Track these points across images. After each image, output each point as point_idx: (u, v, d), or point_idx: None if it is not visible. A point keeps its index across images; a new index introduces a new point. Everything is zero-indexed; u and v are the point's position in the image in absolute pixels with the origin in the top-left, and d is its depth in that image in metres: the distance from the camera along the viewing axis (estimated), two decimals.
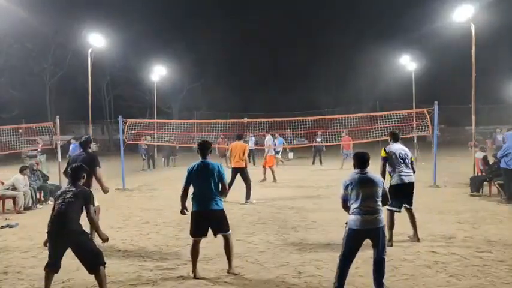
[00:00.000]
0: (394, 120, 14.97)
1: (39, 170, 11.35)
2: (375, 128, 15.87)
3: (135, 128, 16.39)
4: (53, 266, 4.46)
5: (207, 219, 5.13)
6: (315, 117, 17.99)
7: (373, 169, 4.68)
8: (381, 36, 39.83)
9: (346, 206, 4.56)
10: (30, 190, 10.01)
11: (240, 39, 43.83)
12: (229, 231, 5.22)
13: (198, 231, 5.15)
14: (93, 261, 4.39)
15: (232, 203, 9.59)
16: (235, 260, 5.52)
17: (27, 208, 9.76)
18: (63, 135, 23.34)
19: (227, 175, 5.67)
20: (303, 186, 12.93)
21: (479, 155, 11.57)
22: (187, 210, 5.30)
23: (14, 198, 9.66)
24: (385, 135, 14.22)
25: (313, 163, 20.15)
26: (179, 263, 5.69)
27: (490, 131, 25.47)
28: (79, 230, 4.44)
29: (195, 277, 5.10)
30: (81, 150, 6.81)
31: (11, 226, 8.06)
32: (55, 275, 4.55)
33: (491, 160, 11.04)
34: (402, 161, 6.45)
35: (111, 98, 40.58)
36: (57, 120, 13.65)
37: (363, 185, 4.46)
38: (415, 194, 6.65)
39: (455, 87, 33.74)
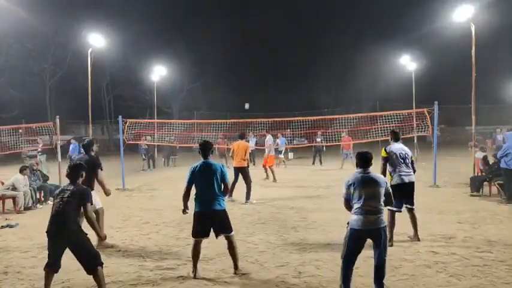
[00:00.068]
0: (394, 120, 14.98)
1: (39, 170, 11.35)
2: (375, 128, 15.88)
3: (135, 128, 16.39)
4: (52, 266, 4.46)
5: (210, 219, 5.11)
6: (315, 117, 17.99)
7: (374, 169, 4.67)
8: (380, 36, 39.88)
9: (349, 206, 4.53)
10: (30, 190, 10.01)
11: (240, 39, 43.88)
12: (232, 233, 5.20)
13: (200, 232, 5.14)
14: (91, 261, 4.39)
15: (232, 203, 9.59)
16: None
17: (27, 208, 9.76)
18: (63, 135, 23.34)
19: (229, 175, 5.66)
20: (303, 186, 12.93)
21: (479, 155, 11.57)
22: (188, 209, 5.28)
23: (14, 198, 9.66)
24: (385, 135, 14.24)
25: (313, 163, 20.15)
26: (179, 263, 5.69)
27: (490, 131, 25.47)
28: (78, 230, 4.44)
29: (195, 277, 5.10)
30: (84, 152, 6.84)
31: (11, 226, 8.06)
32: (55, 275, 4.56)
33: (491, 160, 11.05)
34: (402, 161, 6.45)
35: (111, 98, 40.58)
36: (57, 120, 13.65)
37: (366, 184, 4.44)
38: (415, 194, 6.65)
39: (455, 87, 33.74)
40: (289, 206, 9.67)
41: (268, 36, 46.03)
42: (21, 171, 10.06)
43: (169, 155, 21.17)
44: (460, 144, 25.37)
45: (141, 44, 36.47)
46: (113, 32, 23.48)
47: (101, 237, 4.60)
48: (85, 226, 4.65)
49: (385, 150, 6.56)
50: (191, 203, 5.30)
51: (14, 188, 9.73)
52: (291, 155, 24.34)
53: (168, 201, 10.58)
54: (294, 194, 11.52)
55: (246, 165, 10.41)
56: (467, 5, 13.02)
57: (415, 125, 15.41)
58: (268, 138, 16.25)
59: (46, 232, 4.43)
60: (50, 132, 17.32)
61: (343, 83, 42.75)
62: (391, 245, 6.00)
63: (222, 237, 5.21)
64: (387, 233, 4.55)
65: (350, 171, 14.65)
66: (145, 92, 36.24)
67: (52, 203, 4.93)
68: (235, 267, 5.18)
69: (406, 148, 6.65)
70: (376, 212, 4.37)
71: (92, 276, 4.45)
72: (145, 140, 18.43)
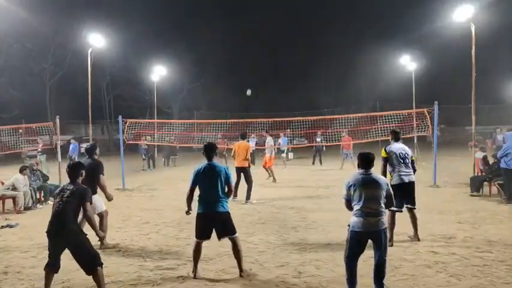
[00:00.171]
0: (394, 120, 14.98)
1: (39, 170, 11.35)
2: (375, 128, 15.88)
3: (135, 128, 16.39)
4: (53, 266, 4.46)
5: (212, 221, 5.09)
6: (315, 117, 18.00)
7: (374, 169, 4.66)
8: (381, 36, 39.85)
9: (350, 206, 4.51)
10: (30, 190, 10.01)
11: (240, 39, 43.86)
12: (236, 234, 5.16)
13: (202, 234, 5.13)
14: (90, 262, 4.39)
15: (232, 203, 9.58)
16: (235, 260, 5.51)
17: (27, 208, 9.76)
18: (63, 135, 23.34)
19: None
20: (303, 186, 12.93)
21: (479, 155, 11.57)
22: (191, 210, 5.26)
23: (14, 198, 9.66)
24: (385, 135, 14.23)
25: (313, 163, 20.15)
26: (179, 263, 5.69)
27: (490, 131, 25.45)
28: (78, 230, 4.44)
29: (195, 277, 5.09)
30: (87, 156, 6.83)
31: (11, 226, 8.06)
32: (55, 275, 4.56)
33: (491, 160, 11.05)
34: (402, 161, 6.45)
35: (111, 98, 40.58)
36: (57, 120, 13.65)
37: (367, 186, 4.40)
38: (416, 194, 6.65)
39: (455, 87, 33.73)
40: (289, 206, 9.67)
41: (268, 36, 46.06)
42: (21, 171, 10.07)
43: (169, 155, 21.17)
44: (460, 144, 25.37)
45: (141, 44, 36.47)
46: (113, 32, 23.49)
47: (100, 238, 4.60)
48: (86, 227, 4.65)
49: (385, 150, 6.56)
50: (193, 204, 5.28)
51: (14, 188, 9.73)
52: (291, 155, 24.34)
53: (168, 201, 10.59)
54: (294, 194, 11.52)
55: (248, 165, 10.42)
56: (467, 5, 13.02)
57: (415, 125, 15.41)
58: (269, 139, 16.25)
59: (46, 232, 4.43)
60: (50, 132, 17.33)
61: (343, 83, 42.75)
62: (391, 245, 5.99)
63: (223, 238, 5.19)
64: (387, 234, 4.53)
65: (350, 171, 14.62)
66: (145, 92, 36.23)
67: (52, 203, 4.93)
68: (240, 269, 5.13)
69: (406, 148, 6.64)
70: (376, 214, 4.34)
71: (91, 276, 4.45)
72: (145, 140, 18.44)
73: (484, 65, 25.50)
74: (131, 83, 37.62)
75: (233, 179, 5.61)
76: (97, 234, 4.61)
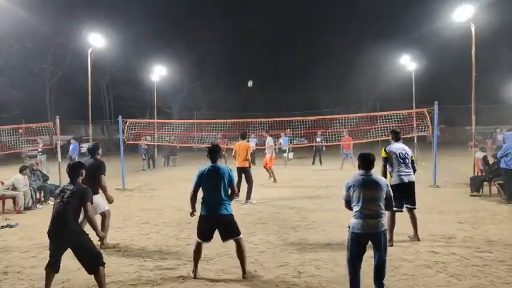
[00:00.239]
0: (394, 120, 14.98)
1: (39, 170, 11.36)
2: (375, 128, 15.88)
3: (135, 128, 16.39)
4: (53, 266, 4.46)
5: (216, 223, 5.08)
6: (315, 117, 18.00)
7: (374, 169, 4.64)
8: (381, 36, 39.81)
9: (350, 207, 4.48)
10: (30, 190, 10.01)
11: (240, 39, 43.85)
12: (240, 236, 5.14)
13: (204, 235, 5.12)
14: (92, 261, 4.40)
15: (232, 203, 9.57)
16: (235, 260, 5.51)
17: (27, 208, 9.76)
18: (63, 135, 23.33)
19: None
20: (303, 186, 12.93)
21: (479, 155, 11.57)
22: (196, 211, 5.23)
23: (14, 198, 9.66)
24: (385, 135, 14.24)
25: (313, 163, 20.15)
26: (179, 263, 5.69)
27: (490, 131, 25.47)
28: (79, 230, 4.45)
29: (195, 277, 5.09)
30: (89, 156, 6.81)
31: (11, 226, 8.06)
32: (55, 274, 4.55)
33: (491, 160, 11.05)
34: (402, 161, 6.44)
35: (111, 98, 40.59)
36: (57, 120, 13.65)
37: (366, 187, 4.35)
38: (417, 195, 6.64)
39: (455, 87, 33.71)
40: (289, 206, 9.67)
41: (268, 36, 46.04)
42: (21, 171, 10.07)
43: (169, 155, 21.17)
44: (460, 144, 25.36)
45: (141, 44, 36.47)
46: (113, 32, 23.49)
47: (100, 238, 4.60)
48: (86, 227, 4.65)
49: (385, 150, 6.55)
50: (197, 206, 5.27)
51: (14, 188, 9.73)
52: (291, 155, 24.35)
53: (168, 201, 10.59)
54: (294, 194, 11.52)
55: (248, 165, 10.42)
56: (467, 5, 13.02)
57: (415, 125, 15.42)
58: (269, 139, 16.24)
59: (47, 233, 4.43)
60: (50, 132, 17.33)
61: (343, 83, 42.74)
62: (391, 245, 5.99)
63: (227, 240, 5.16)
64: (387, 235, 4.49)
65: (350, 171, 14.62)
66: (145, 92, 36.24)
67: (52, 203, 4.93)
68: (243, 271, 5.09)
69: (406, 148, 6.63)
70: (376, 216, 4.30)
71: (93, 276, 4.45)
72: (145, 140, 18.44)
73: (484, 65, 25.49)
74: (131, 83, 37.62)
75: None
76: (97, 235, 4.60)
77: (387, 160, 6.49)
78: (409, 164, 6.50)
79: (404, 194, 6.42)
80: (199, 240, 5.15)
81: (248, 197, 10.15)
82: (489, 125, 27.92)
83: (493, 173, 10.44)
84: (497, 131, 18.44)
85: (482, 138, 22.61)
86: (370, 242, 4.39)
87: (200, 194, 5.24)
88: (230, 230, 5.10)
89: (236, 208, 9.23)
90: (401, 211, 6.38)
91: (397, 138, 6.67)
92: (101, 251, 5.33)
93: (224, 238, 5.13)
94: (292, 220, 8.18)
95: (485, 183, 10.53)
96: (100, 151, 6.95)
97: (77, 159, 16.33)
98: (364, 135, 16.66)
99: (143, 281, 5.08)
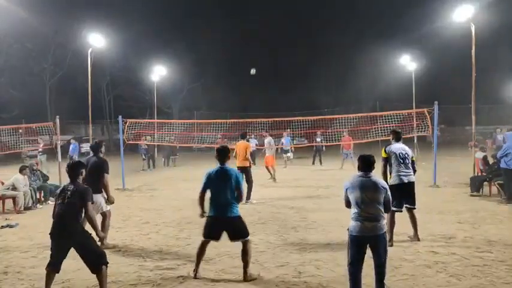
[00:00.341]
0: (394, 120, 14.98)
1: (39, 170, 11.36)
2: (375, 128, 15.88)
3: (135, 128, 16.39)
4: (54, 266, 4.46)
5: (224, 225, 5.07)
6: (315, 117, 18.00)
7: (374, 170, 4.63)
8: (381, 36, 39.79)
9: (350, 207, 4.44)
10: (30, 190, 10.01)
11: (240, 39, 43.84)
12: (248, 237, 5.11)
13: (210, 235, 5.13)
14: (96, 261, 4.40)
15: None
16: (235, 260, 5.52)
17: (27, 208, 9.76)
18: (63, 135, 23.33)
19: None
20: (303, 186, 12.93)
21: (479, 155, 11.57)
22: (205, 212, 5.22)
23: (14, 198, 9.66)
24: (385, 135, 14.24)
25: (313, 163, 20.15)
26: (179, 263, 5.69)
27: (490, 131, 25.46)
28: (82, 230, 4.44)
29: (195, 277, 5.09)
30: (92, 154, 6.79)
31: (11, 226, 8.06)
32: (56, 275, 4.55)
33: (491, 160, 11.05)
34: (402, 161, 6.43)
35: (111, 98, 40.60)
36: (57, 120, 13.65)
37: (365, 189, 4.29)
38: (417, 195, 6.64)
39: (455, 87, 33.71)
40: (289, 206, 9.67)
41: (268, 36, 46.04)
42: (21, 171, 10.07)
43: (169, 155, 21.17)
44: (460, 144, 25.36)
45: (141, 44, 36.47)
46: (113, 32, 23.49)
47: (100, 238, 4.60)
48: (86, 227, 4.64)
49: (385, 150, 6.55)
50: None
51: (14, 188, 9.73)
52: (291, 155, 24.33)
53: (168, 201, 10.59)
54: (294, 194, 11.52)
55: (248, 165, 10.42)
56: (467, 5, 13.02)
57: (415, 125, 15.42)
58: (269, 139, 16.24)
59: (50, 234, 4.43)
60: (50, 132, 17.34)
61: (343, 83, 42.74)
62: (391, 245, 5.99)
63: (235, 241, 5.15)
64: (387, 238, 4.42)
65: (350, 171, 14.60)
66: (145, 92, 36.24)
67: (53, 203, 4.93)
68: (245, 273, 5.04)
69: (406, 148, 6.62)
70: (373, 219, 4.22)
71: (94, 275, 4.45)
72: (145, 140, 18.43)
73: (484, 65, 25.48)
74: (131, 83, 37.63)
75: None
76: (97, 235, 4.60)
77: (387, 160, 6.48)
78: (409, 165, 6.49)
79: (404, 194, 6.41)
80: (205, 239, 5.15)
81: (248, 197, 10.15)
82: (489, 125, 27.91)
83: (493, 173, 10.44)
84: (497, 131, 18.44)
85: (482, 138, 22.60)
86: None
87: (207, 194, 5.23)
88: (238, 232, 5.09)
89: None
90: (401, 211, 6.38)
91: (397, 138, 6.67)
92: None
93: (232, 239, 5.12)
94: (292, 220, 8.18)
95: (485, 183, 10.53)
96: (103, 149, 6.91)
97: (77, 159, 16.33)
98: (364, 135, 16.66)
99: (143, 281, 5.08)
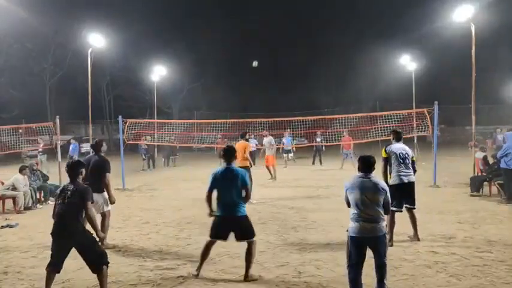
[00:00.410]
0: (394, 120, 14.99)
1: (39, 170, 11.36)
2: (375, 128, 15.89)
3: (135, 128, 16.39)
4: (55, 266, 4.45)
5: (231, 224, 5.07)
6: (315, 117, 18.00)
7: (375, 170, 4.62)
8: (381, 36, 39.81)
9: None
10: (30, 190, 10.01)
11: (240, 39, 43.84)
12: (253, 238, 5.12)
13: (218, 235, 5.13)
14: (97, 261, 4.40)
15: None
16: (235, 260, 5.52)
17: (27, 208, 9.76)
18: (63, 135, 23.33)
19: None
20: (303, 186, 12.93)
21: (479, 155, 11.57)
22: (213, 211, 5.20)
23: (14, 198, 9.66)
24: (385, 135, 14.25)
25: (313, 163, 20.15)
26: (179, 263, 5.69)
27: (490, 131, 25.47)
28: (81, 230, 4.43)
29: (197, 276, 5.08)
30: (94, 153, 6.76)
31: (11, 226, 8.06)
32: (56, 275, 4.54)
33: (491, 160, 11.05)
34: (402, 161, 6.43)
35: (111, 98, 40.61)
36: (57, 120, 13.65)
37: (365, 190, 4.26)
38: (417, 195, 6.64)
39: (455, 87, 33.72)
40: (289, 206, 9.67)
41: (268, 36, 46.04)
42: (21, 171, 10.07)
43: (169, 155, 21.17)
44: (460, 144, 25.36)
45: (141, 44, 36.49)
46: (113, 32, 23.49)
47: (100, 238, 4.60)
48: (87, 227, 4.65)
49: (385, 150, 6.55)
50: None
51: (14, 188, 9.73)
52: (292, 154, 24.33)
53: (168, 201, 10.59)
54: (294, 194, 11.52)
55: (248, 164, 10.41)
56: (467, 5, 13.02)
57: (415, 125, 15.42)
58: (270, 138, 16.23)
59: (51, 234, 4.43)
60: (50, 132, 17.34)
61: (343, 83, 42.74)
62: (391, 245, 5.99)
63: (241, 241, 5.14)
64: (387, 239, 4.38)
65: (350, 171, 14.57)
66: (145, 92, 36.25)
67: (53, 203, 4.93)
68: (246, 274, 5.04)
69: (407, 148, 6.61)
70: (372, 220, 4.19)
71: (96, 275, 4.45)
72: (145, 140, 18.44)
73: (484, 65, 25.50)
74: (131, 83, 37.64)
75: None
76: (97, 235, 4.60)
77: (387, 160, 6.48)
78: (409, 165, 6.48)
79: (404, 194, 6.41)
80: (210, 239, 5.15)
81: None
82: (489, 125, 27.92)
83: (493, 173, 10.44)
84: (497, 131, 18.44)
85: (482, 138, 22.61)
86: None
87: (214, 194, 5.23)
88: (245, 231, 5.09)
89: None
90: (401, 211, 6.38)
91: (398, 138, 6.66)
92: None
93: (238, 239, 5.12)
94: (292, 220, 8.18)
95: (485, 183, 10.53)
96: (104, 148, 6.85)
97: (76, 159, 16.32)
98: (364, 135, 16.67)
99: (143, 281, 5.08)
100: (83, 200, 4.44)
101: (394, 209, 6.19)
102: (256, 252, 6.06)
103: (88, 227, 4.59)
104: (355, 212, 4.27)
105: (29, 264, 5.75)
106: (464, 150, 19.48)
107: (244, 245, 5.13)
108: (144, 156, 19.26)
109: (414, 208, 6.52)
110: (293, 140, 21.30)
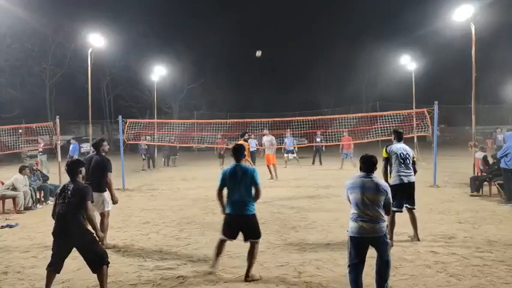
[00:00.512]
0: (394, 120, 14.98)
1: (39, 170, 11.35)
2: (375, 128, 15.88)
3: (135, 128, 16.39)
4: (55, 266, 4.45)
5: (240, 223, 5.07)
6: (315, 117, 17.99)
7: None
8: (381, 36, 39.85)
9: None
10: (30, 190, 10.01)
11: (240, 39, 43.90)
12: (259, 239, 5.13)
13: (228, 233, 5.13)
14: (97, 260, 4.40)
15: None
16: (235, 260, 5.52)
17: (27, 208, 9.76)
18: (63, 135, 23.34)
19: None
20: (303, 186, 12.92)
21: (479, 155, 11.57)
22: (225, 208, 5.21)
23: (14, 198, 9.66)
24: (385, 135, 14.25)
25: (313, 163, 20.15)
26: (179, 263, 5.69)
27: (490, 131, 25.50)
28: (82, 230, 4.43)
29: (213, 273, 5.11)
30: (95, 152, 6.73)
31: (11, 226, 8.06)
32: (56, 275, 4.54)
33: (491, 160, 11.05)
34: (403, 161, 6.42)
35: (111, 98, 40.63)
36: (57, 120, 13.65)
37: (365, 190, 4.22)
38: (417, 195, 6.64)
39: (455, 87, 33.76)
40: (289, 206, 9.67)
41: (268, 36, 46.10)
42: (21, 171, 10.07)
43: (169, 155, 21.17)
44: (460, 144, 25.37)
45: (141, 44, 36.51)
46: (112, 32, 23.52)
47: (99, 238, 4.59)
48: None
49: (386, 150, 6.54)
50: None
51: (14, 188, 9.73)
52: (291, 156, 24.32)
53: (168, 201, 10.59)
54: (294, 194, 11.52)
55: (248, 164, 10.40)
56: (467, 5, 13.01)
57: (415, 125, 15.41)
58: (271, 138, 16.22)
59: (52, 234, 4.43)
60: (50, 132, 17.34)
61: (343, 83, 42.78)
62: (391, 245, 5.98)
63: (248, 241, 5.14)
64: (388, 239, 4.35)
65: (350, 171, 14.53)
66: (145, 92, 36.27)
67: (52, 203, 4.92)
68: (247, 274, 5.03)
69: (408, 148, 6.61)
70: (372, 220, 4.16)
71: (96, 275, 4.45)
72: (145, 140, 18.44)
73: (484, 65, 25.52)
74: (131, 83, 37.66)
75: None
76: (97, 235, 4.60)
77: (388, 160, 6.48)
78: (410, 165, 6.47)
79: (404, 194, 6.41)
80: (222, 237, 5.15)
81: None
82: (489, 125, 27.95)
83: (493, 173, 10.44)
84: (497, 131, 18.46)
85: (482, 138, 22.62)
86: (370, 246, 4.30)
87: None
88: (252, 232, 5.10)
89: None
90: (401, 211, 6.38)
91: (399, 138, 6.65)
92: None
93: (246, 238, 5.12)
94: (292, 220, 8.18)
95: (485, 183, 10.53)
96: (106, 148, 6.81)
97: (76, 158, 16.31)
98: (364, 135, 16.66)
99: (143, 281, 5.07)
100: (83, 199, 4.43)
101: (394, 209, 6.19)
102: (258, 251, 6.10)
103: (88, 226, 4.59)
104: (355, 211, 4.25)
105: (29, 264, 5.75)
106: (464, 150, 19.48)
107: (244, 244, 5.13)
108: (144, 156, 19.26)
109: (414, 208, 6.52)
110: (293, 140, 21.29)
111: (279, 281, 4.96)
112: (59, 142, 13.98)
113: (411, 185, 6.46)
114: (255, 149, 17.87)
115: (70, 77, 34.99)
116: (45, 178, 11.28)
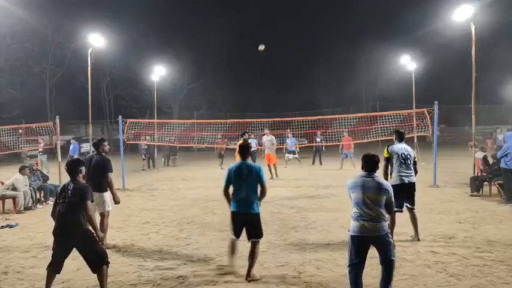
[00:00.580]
0: (394, 120, 14.98)
1: (39, 170, 11.35)
2: (375, 128, 15.88)
3: (135, 128, 16.39)
4: (55, 266, 4.45)
5: (244, 220, 5.08)
6: (315, 117, 17.98)
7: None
8: (381, 36, 39.85)
9: None
10: (30, 190, 10.01)
11: (240, 39, 43.89)
12: (260, 239, 5.14)
13: (235, 231, 5.14)
14: (97, 260, 4.40)
15: None
16: (235, 259, 5.51)
17: (27, 208, 9.76)
18: (63, 135, 23.34)
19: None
20: (303, 186, 12.92)
21: (479, 155, 11.57)
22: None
23: (14, 198, 9.66)
24: (385, 135, 14.25)
25: (313, 163, 20.15)
26: (179, 263, 5.69)
27: (490, 131, 25.49)
28: (83, 229, 4.43)
29: (232, 272, 5.11)
30: (95, 152, 6.72)
31: (11, 226, 8.06)
32: (56, 275, 4.54)
33: (491, 160, 11.05)
34: (403, 162, 6.42)
35: (111, 98, 40.62)
36: (57, 120, 13.65)
37: (367, 189, 4.21)
38: (417, 195, 6.64)
39: (455, 87, 33.76)
40: (289, 206, 9.67)
41: (268, 36, 46.03)
42: (21, 171, 10.07)
43: (169, 155, 21.17)
44: (460, 144, 25.37)
45: (141, 44, 36.51)
46: (112, 32, 23.52)
47: (99, 238, 4.59)
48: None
49: (387, 150, 6.54)
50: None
51: (14, 188, 9.73)
52: (291, 156, 24.31)
53: (168, 201, 10.59)
54: (294, 194, 11.52)
55: None
56: (467, 5, 13.01)
57: (415, 125, 15.41)
58: (271, 137, 16.22)
59: (52, 233, 4.43)
60: (50, 132, 17.34)
61: (343, 83, 42.78)
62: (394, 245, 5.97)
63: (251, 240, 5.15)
64: (390, 239, 4.28)
65: (350, 171, 14.54)
66: (145, 92, 36.27)
67: (52, 203, 4.92)
68: (248, 273, 5.03)
69: (409, 148, 6.60)
70: (373, 220, 4.13)
71: (96, 275, 4.45)
72: (145, 140, 18.44)
73: (484, 65, 25.52)
74: (131, 83, 37.66)
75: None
76: (97, 235, 4.60)
77: (389, 160, 6.48)
78: (411, 165, 6.47)
79: (405, 194, 6.41)
80: (233, 237, 5.16)
81: None
82: (489, 125, 27.95)
83: (493, 173, 10.44)
84: (498, 131, 18.45)
85: (482, 138, 22.62)
86: (371, 246, 4.27)
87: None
88: (255, 231, 5.10)
89: None
90: (402, 211, 6.38)
91: (400, 139, 6.65)
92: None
93: (249, 237, 5.13)
94: (292, 220, 8.18)
95: (485, 183, 10.53)
96: (106, 148, 6.81)
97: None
98: (364, 135, 16.66)
99: (143, 281, 5.07)
100: (83, 198, 4.43)
101: (394, 209, 6.17)
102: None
103: (88, 226, 4.59)
104: (356, 211, 4.24)
105: (29, 264, 5.75)
106: (464, 150, 19.48)
107: (244, 244, 5.13)
108: (144, 156, 19.26)
109: (414, 208, 6.52)
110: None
111: (279, 281, 4.96)
112: (59, 142, 13.98)
113: (412, 185, 6.46)
114: (255, 148, 17.86)
115: (70, 77, 34.99)
116: (45, 178, 11.28)
